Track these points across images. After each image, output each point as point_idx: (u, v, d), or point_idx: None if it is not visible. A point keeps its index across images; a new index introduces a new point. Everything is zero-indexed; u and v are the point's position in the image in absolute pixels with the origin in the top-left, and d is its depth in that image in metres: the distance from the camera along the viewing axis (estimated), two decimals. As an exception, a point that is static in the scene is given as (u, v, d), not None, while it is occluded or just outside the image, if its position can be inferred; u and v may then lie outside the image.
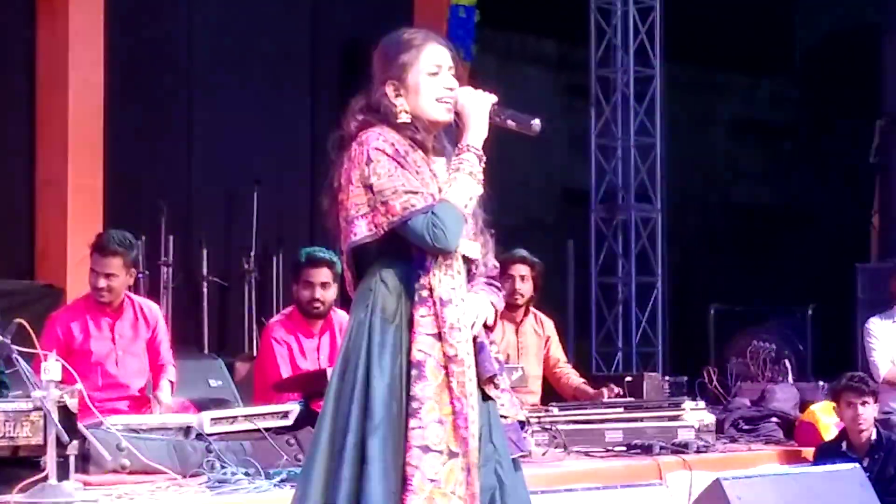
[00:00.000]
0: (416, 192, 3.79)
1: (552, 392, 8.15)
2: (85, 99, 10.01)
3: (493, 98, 3.94)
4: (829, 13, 13.99)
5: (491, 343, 4.02)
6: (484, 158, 3.89)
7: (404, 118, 3.90)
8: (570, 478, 6.27)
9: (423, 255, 3.83)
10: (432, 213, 3.77)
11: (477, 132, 3.89)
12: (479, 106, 3.90)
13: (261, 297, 10.61)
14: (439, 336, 3.80)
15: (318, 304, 7.18)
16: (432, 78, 3.92)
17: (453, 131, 3.98)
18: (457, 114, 3.94)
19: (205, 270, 10.47)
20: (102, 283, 6.89)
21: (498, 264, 4.17)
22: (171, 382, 7.04)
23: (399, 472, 3.74)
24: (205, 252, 10.47)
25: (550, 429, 7.00)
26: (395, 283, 3.85)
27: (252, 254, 10.58)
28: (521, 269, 7.93)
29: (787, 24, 14.91)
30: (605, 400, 7.60)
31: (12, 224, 9.83)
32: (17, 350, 5.14)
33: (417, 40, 3.95)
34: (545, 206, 13.03)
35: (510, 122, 3.99)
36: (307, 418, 5.95)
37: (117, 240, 6.98)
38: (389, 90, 3.92)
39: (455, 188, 3.82)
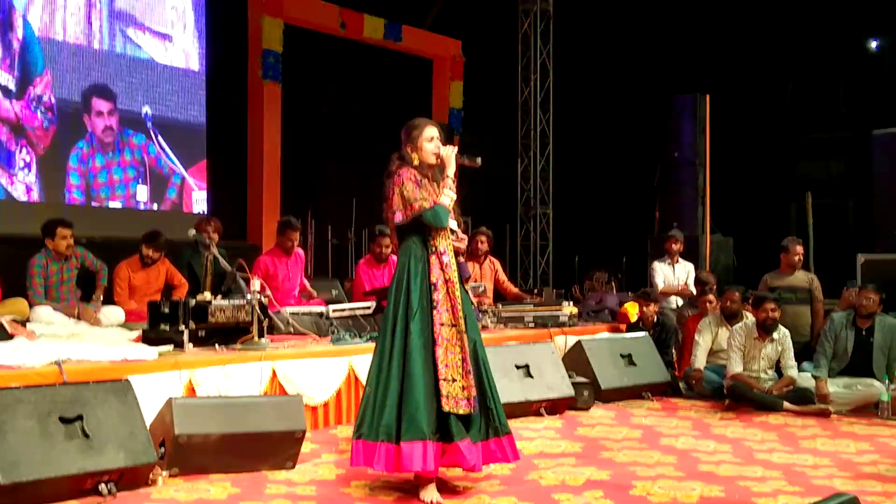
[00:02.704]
0: (425, 199, 3.78)
1: (498, 297, 8.19)
2: (270, 151, 10.01)
3: (455, 148, 3.91)
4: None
5: (469, 278, 4.03)
6: (455, 181, 3.87)
7: (415, 163, 3.88)
8: (507, 339, 6.33)
9: (430, 229, 3.82)
10: (433, 208, 3.77)
11: (451, 168, 3.86)
12: (450, 153, 3.87)
13: (356, 251, 10.60)
14: (442, 269, 3.82)
15: (383, 255, 7.21)
16: (428, 142, 3.87)
17: (441, 168, 3.93)
18: (440, 159, 3.90)
19: (329, 238, 10.48)
20: (288, 245, 6.95)
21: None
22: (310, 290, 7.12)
23: (427, 336, 3.74)
24: (329, 228, 10.44)
25: (497, 315, 7.07)
26: (420, 243, 3.82)
27: (352, 230, 10.57)
28: (482, 238, 7.96)
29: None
30: (525, 301, 7.66)
31: (235, 212, 9.78)
32: (240, 276, 5.20)
33: (423, 124, 3.91)
34: (496, 207, 12.93)
35: (465, 161, 3.94)
36: (379, 309, 6.02)
37: (295, 221, 7.03)
38: (408, 149, 3.88)
39: (443, 197, 3.81)
